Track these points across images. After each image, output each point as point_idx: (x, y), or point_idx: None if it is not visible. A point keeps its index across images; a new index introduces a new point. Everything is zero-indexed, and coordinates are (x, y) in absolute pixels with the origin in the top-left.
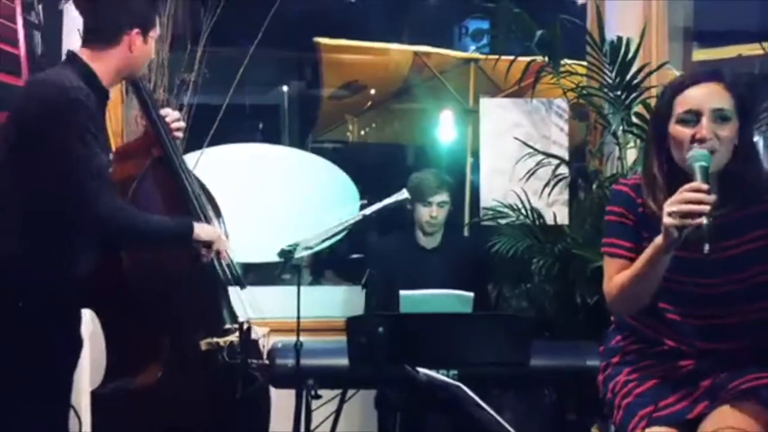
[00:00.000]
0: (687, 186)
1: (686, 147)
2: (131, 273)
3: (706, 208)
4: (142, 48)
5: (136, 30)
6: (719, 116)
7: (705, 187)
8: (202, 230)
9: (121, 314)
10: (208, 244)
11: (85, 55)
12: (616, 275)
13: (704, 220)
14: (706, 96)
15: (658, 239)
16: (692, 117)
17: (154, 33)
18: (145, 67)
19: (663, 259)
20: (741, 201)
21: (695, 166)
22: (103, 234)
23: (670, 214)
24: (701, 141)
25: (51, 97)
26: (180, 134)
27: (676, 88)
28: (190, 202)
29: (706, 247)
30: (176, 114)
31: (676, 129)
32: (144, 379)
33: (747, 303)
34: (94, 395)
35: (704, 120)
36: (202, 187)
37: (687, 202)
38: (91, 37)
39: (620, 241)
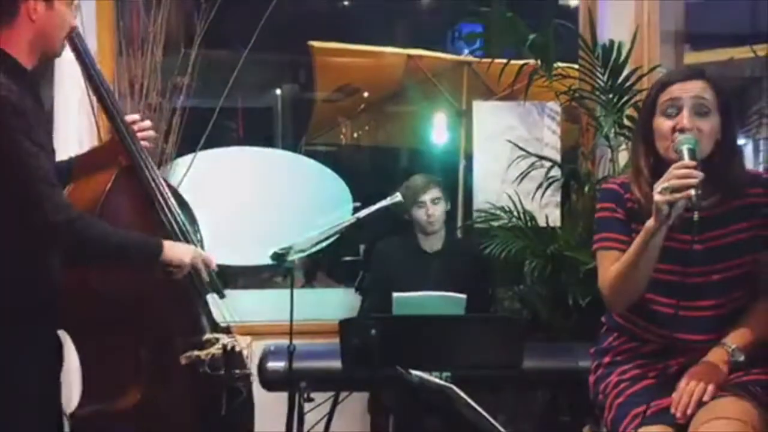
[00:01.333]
0: (675, 164)
1: (669, 138)
2: (102, 289)
3: (694, 181)
4: (48, 15)
5: None
6: (699, 108)
7: (692, 164)
8: (172, 251)
9: (95, 333)
10: (179, 266)
11: None
12: (610, 267)
13: (692, 192)
14: (687, 89)
15: (649, 222)
16: (674, 109)
17: None
18: (63, 40)
19: (655, 241)
20: (724, 194)
21: (683, 149)
22: (56, 243)
23: (660, 192)
24: (682, 131)
25: None
26: (147, 143)
27: (661, 84)
28: (162, 211)
29: (696, 215)
30: (146, 123)
31: (659, 122)
32: (124, 402)
33: (732, 293)
34: (72, 417)
35: (685, 111)
36: (176, 194)
37: (676, 178)
38: None
39: (613, 234)
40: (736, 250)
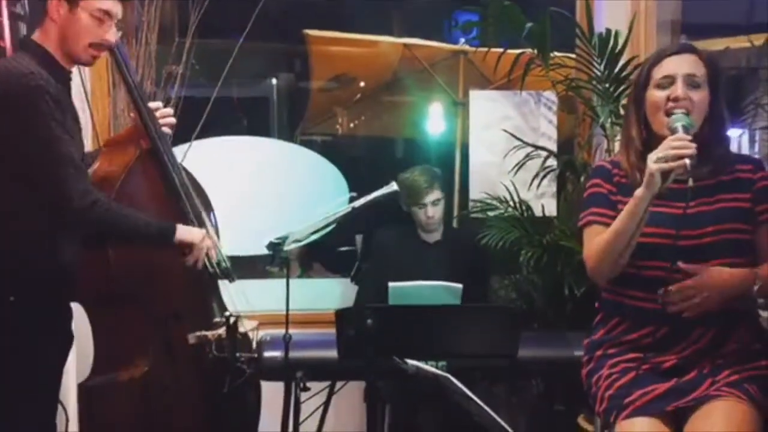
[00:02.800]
0: (671, 137)
1: (663, 109)
2: (119, 266)
3: (690, 151)
4: (69, 19)
5: None
6: (691, 82)
7: (687, 137)
8: (185, 234)
9: (109, 307)
10: (190, 246)
11: (37, 36)
12: (595, 239)
13: (688, 161)
14: (681, 63)
15: (639, 190)
16: (667, 82)
17: (88, 5)
18: (87, 49)
19: (642, 210)
20: (712, 168)
21: (677, 126)
22: (78, 225)
23: (656, 161)
24: (675, 100)
25: (9, 86)
26: (168, 130)
27: (654, 58)
28: (178, 194)
29: (691, 181)
30: (168, 110)
31: (653, 94)
32: (132, 373)
33: (723, 258)
34: (81, 388)
35: (678, 83)
36: (192, 180)
37: (672, 149)
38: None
39: (596, 209)
40: (728, 215)
